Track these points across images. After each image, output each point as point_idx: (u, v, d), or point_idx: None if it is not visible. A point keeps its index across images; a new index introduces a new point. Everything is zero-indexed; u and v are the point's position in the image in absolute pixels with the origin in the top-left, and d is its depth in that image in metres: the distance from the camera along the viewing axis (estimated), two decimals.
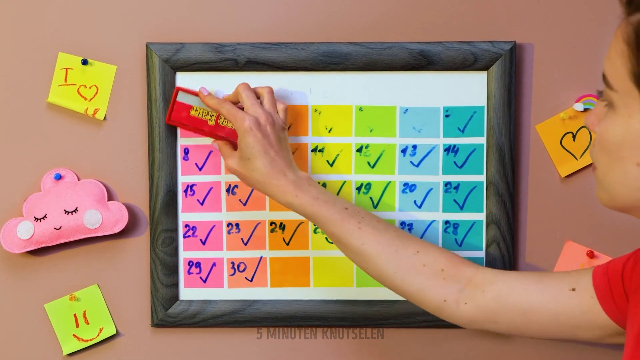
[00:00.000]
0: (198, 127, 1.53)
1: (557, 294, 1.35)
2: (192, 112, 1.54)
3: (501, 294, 1.38)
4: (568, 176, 1.58)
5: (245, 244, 1.59)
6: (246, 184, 1.47)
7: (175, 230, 1.58)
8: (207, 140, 1.57)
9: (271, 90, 1.51)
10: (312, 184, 1.44)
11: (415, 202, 1.58)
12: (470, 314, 1.40)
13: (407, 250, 1.41)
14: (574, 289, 1.34)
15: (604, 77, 1.11)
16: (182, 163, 1.58)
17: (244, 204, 1.58)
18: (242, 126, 1.44)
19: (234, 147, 1.52)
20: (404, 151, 1.57)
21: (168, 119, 1.54)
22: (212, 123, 1.54)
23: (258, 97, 1.51)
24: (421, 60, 1.54)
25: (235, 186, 1.58)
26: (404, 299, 1.52)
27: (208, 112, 1.54)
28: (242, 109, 1.48)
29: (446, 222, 1.58)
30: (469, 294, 1.39)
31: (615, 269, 1.31)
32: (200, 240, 1.59)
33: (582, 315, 1.33)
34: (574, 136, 1.57)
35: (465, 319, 1.41)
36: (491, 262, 1.57)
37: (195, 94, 1.54)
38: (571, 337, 1.38)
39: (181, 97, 1.53)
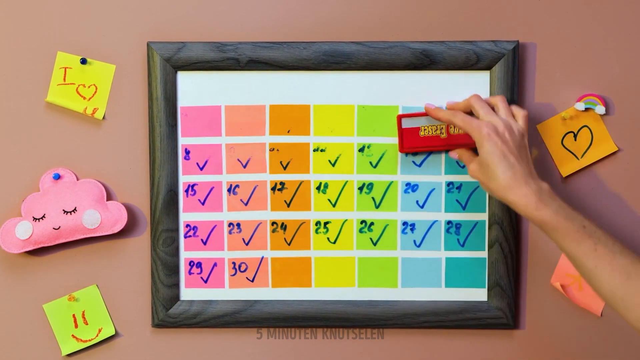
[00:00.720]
0: (432, 144, 1.54)
1: None
2: (422, 133, 1.54)
3: None
4: (569, 176, 1.58)
5: (247, 244, 1.59)
6: (486, 190, 1.46)
7: (176, 230, 1.57)
8: (208, 140, 1.56)
9: (504, 99, 1.49)
10: (552, 196, 1.41)
11: (417, 202, 1.58)
12: None
13: (638, 276, 1.38)
14: None
15: None
16: (183, 163, 1.57)
17: (245, 204, 1.58)
18: (479, 133, 1.43)
19: (473, 152, 1.51)
20: None
21: (401, 149, 1.54)
22: (444, 136, 1.53)
23: (492, 107, 1.49)
24: (423, 59, 1.54)
25: (237, 186, 1.58)
26: (406, 299, 1.53)
27: (437, 127, 1.53)
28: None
29: (448, 222, 1.58)
30: None
31: None
32: (201, 240, 1.58)
33: None
34: (575, 136, 1.57)
35: None
36: (493, 263, 1.57)
37: (416, 114, 1.53)
38: None
39: (405, 123, 1.53)
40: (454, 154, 1.54)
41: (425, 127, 1.54)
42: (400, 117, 1.54)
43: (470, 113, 1.49)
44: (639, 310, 1.36)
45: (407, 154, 1.56)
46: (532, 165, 1.45)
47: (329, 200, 1.58)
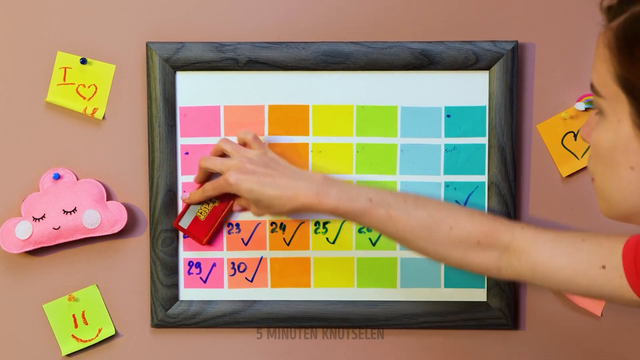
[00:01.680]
0: (217, 217, 1.56)
1: (588, 271, 1.35)
2: (202, 217, 1.56)
3: (536, 267, 1.39)
4: (569, 176, 1.58)
5: (246, 244, 1.59)
6: (280, 215, 1.52)
7: (176, 230, 1.57)
8: (208, 141, 1.56)
9: (223, 140, 1.52)
10: (330, 183, 1.44)
11: None
12: (510, 277, 1.42)
13: (440, 229, 1.41)
14: (604, 267, 1.34)
15: (592, 87, 1.12)
16: (182, 163, 1.57)
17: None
18: (230, 185, 1.46)
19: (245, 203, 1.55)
20: (405, 151, 1.57)
21: (204, 242, 1.57)
22: (216, 204, 1.56)
23: (221, 154, 1.53)
24: (422, 59, 1.54)
25: None
26: (405, 299, 1.53)
27: (203, 208, 1.56)
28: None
29: None
30: (507, 261, 1.40)
31: None
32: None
33: (611, 291, 1.33)
34: (575, 136, 1.57)
35: (507, 280, 1.47)
36: None
37: (182, 212, 1.56)
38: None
39: (183, 223, 1.56)
40: (237, 208, 1.57)
41: (200, 209, 1.56)
42: (176, 224, 1.56)
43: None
44: (456, 253, 1.42)
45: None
46: (293, 167, 1.48)
47: None
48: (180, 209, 1.58)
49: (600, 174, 1.13)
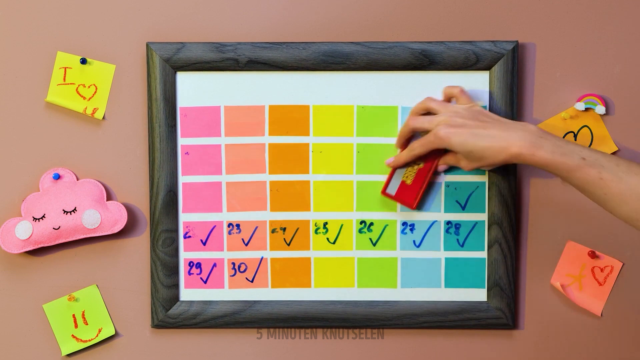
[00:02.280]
0: (422, 179, 1.55)
1: None
2: (408, 181, 1.55)
3: None
4: None
5: (246, 245, 1.59)
6: (490, 168, 1.50)
7: (176, 230, 1.57)
8: (208, 141, 1.56)
9: (428, 98, 1.51)
10: (543, 135, 1.41)
11: None
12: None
13: None
14: None
15: None
16: (183, 163, 1.57)
17: (245, 204, 1.58)
18: (440, 139, 1.45)
19: (452, 154, 1.53)
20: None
21: (414, 205, 1.56)
22: (420, 166, 1.55)
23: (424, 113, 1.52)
24: (423, 60, 1.54)
25: (236, 186, 1.57)
26: (405, 299, 1.54)
27: (409, 172, 1.55)
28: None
29: (448, 222, 1.58)
30: None
31: None
32: (201, 240, 1.58)
33: None
34: (575, 136, 1.57)
35: None
36: (493, 263, 1.57)
37: (389, 177, 1.56)
38: None
39: (390, 190, 1.56)
40: (443, 167, 1.55)
41: (405, 173, 1.55)
42: (383, 192, 1.55)
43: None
44: None
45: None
46: (503, 118, 1.46)
47: (329, 200, 1.57)
48: (180, 208, 1.58)
49: None
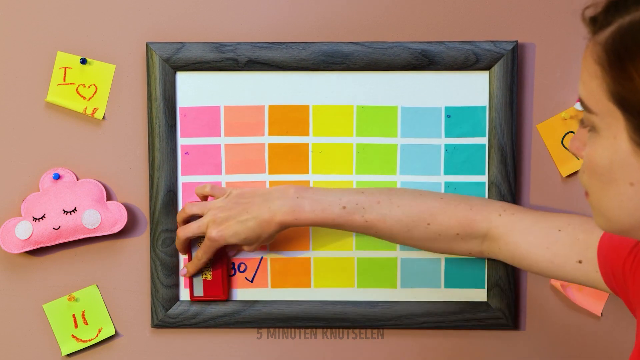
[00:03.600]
0: (222, 273, 1.57)
1: (565, 265, 1.39)
2: (209, 277, 1.57)
3: (515, 255, 1.44)
4: (569, 176, 1.57)
5: None
6: (267, 242, 1.52)
7: (176, 230, 1.57)
8: (208, 141, 1.56)
9: (187, 204, 1.53)
10: (302, 194, 1.46)
11: None
12: (495, 258, 1.49)
13: (418, 226, 1.46)
14: (580, 262, 1.37)
15: (582, 102, 1.07)
16: (183, 163, 1.57)
17: None
18: (215, 241, 1.49)
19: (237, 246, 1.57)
20: (405, 151, 1.57)
21: (225, 296, 1.59)
22: (210, 269, 1.57)
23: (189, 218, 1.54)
24: (422, 60, 1.54)
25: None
26: (405, 299, 1.54)
27: (205, 270, 1.57)
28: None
29: None
30: (488, 247, 1.46)
31: (616, 262, 1.30)
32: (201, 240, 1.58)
33: (587, 282, 1.38)
34: None
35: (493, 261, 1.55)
36: (493, 264, 1.56)
37: (190, 281, 1.58)
38: None
39: (197, 292, 1.58)
40: (232, 253, 1.59)
41: (203, 272, 1.57)
42: (192, 298, 1.58)
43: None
44: (438, 245, 1.47)
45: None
46: (260, 189, 1.50)
47: None
48: (180, 208, 1.57)
49: (597, 191, 1.09)
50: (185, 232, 1.52)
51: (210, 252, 1.51)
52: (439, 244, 1.47)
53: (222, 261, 1.57)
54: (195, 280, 1.57)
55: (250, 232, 1.47)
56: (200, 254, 1.52)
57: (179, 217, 1.54)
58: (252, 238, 1.48)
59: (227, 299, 1.58)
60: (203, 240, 1.52)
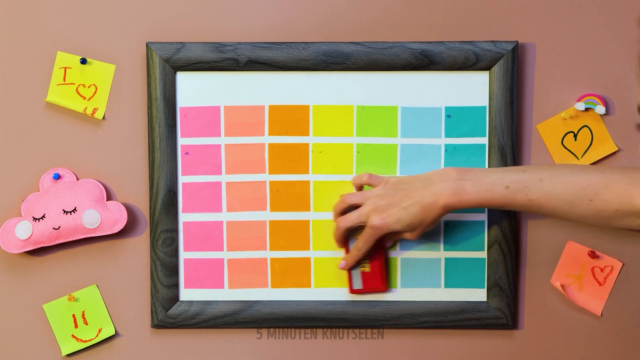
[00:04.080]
0: (381, 264, 1.56)
1: None
2: (367, 269, 1.57)
3: None
4: None
5: (246, 245, 1.58)
6: (431, 228, 1.50)
7: (176, 230, 1.57)
8: (208, 141, 1.56)
9: (345, 195, 1.53)
10: (463, 176, 1.44)
11: None
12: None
13: (580, 203, 1.42)
14: None
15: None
16: (183, 163, 1.57)
17: (245, 204, 1.58)
18: (378, 229, 1.47)
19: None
20: (405, 151, 1.56)
21: (385, 288, 1.58)
22: (368, 261, 1.56)
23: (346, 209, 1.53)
24: (423, 60, 1.54)
25: (236, 186, 1.57)
26: (405, 299, 1.54)
27: (364, 262, 1.56)
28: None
29: (447, 222, 1.57)
30: None
31: None
32: (201, 240, 1.58)
33: None
34: (575, 136, 1.56)
35: None
36: (493, 264, 1.56)
37: (349, 274, 1.57)
38: None
39: (356, 285, 1.57)
40: (389, 243, 1.58)
41: (362, 265, 1.57)
42: (351, 291, 1.57)
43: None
44: (598, 221, 1.44)
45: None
46: (420, 175, 1.48)
47: (328, 200, 1.57)
48: (180, 208, 1.57)
49: None
50: (345, 222, 1.50)
51: (371, 241, 1.50)
52: (599, 221, 1.44)
53: (380, 252, 1.56)
54: (353, 272, 1.56)
55: (413, 218, 1.45)
56: (361, 244, 1.51)
57: (337, 208, 1.53)
58: (416, 223, 1.46)
59: (387, 290, 1.58)
60: (359, 231, 1.52)
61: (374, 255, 1.55)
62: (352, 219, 1.50)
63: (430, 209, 1.44)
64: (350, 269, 1.56)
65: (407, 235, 1.51)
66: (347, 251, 1.55)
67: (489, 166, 1.56)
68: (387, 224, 1.46)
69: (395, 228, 1.47)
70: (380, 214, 1.46)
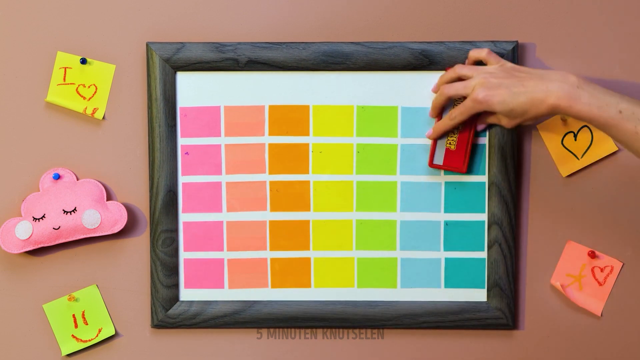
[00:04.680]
0: (466, 145, 1.54)
1: None
2: (452, 147, 1.54)
3: None
4: (569, 176, 1.57)
5: (246, 245, 1.58)
6: (529, 123, 1.49)
7: (176, 230, 1.57)
8: (208, 141, 1.56)
9: (458, 65, 1.50)
10: (582, 86, 1.41)
11: (416, 202, 1.57)
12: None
13: None
14: None
15: None
16: (183, 163, 1.57)
17: (245, 204, 1.58)
18: (479, 103, 1.45)
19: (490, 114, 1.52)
20: (405, 151, 1.57)
21: (465, 169, 1.55)
22: (455, 138, 1.54)
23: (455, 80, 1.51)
24: (423, 60, 1.54)
25: (236, 186, 1.57)
26: (405, 299, 1.54)
27: (450, 138, 1.55)
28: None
29: (447, 222, 1.57)
30: None
31: None
32: (201, 240, 1.58)
33: None
34: (575, 136, 1.56)
35: None
36: (493, 264, 1.56)
37: (433, 146, 1.55)
38: None
39: (437, 160, 1.55)
40: (482, 127, 1.54)
41: (448, 140, 1.54)
42: (431, 164, 1.55)
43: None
44: None
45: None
46: (537, 70, 1.45)
47: (329, 200, 1.57)
48: (180, 208, 1.58)
49: None
50: (450, 89, 1.49)
51: (467, 114, 1.47)
52: None
53: (469, 133, 1.54)
54: (438, 145, 1.55)
55: (518, 105, 1.43)
56: (456, 113, 1.49)
57: (446, 77, 1.51)
58: (518, 112, 1.43)
59: (467, 172, 1.56)
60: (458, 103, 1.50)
61: (463, 133, 1.53)
62: (458, 87, 1.48)
63: (538, 103, 1.41)
64: (436, 140, 1.55)
65: (503, 121, 1.48)
66: (439, 121, 1.53)
67: (488, 166, 1.55)
68: (490, 102, 1.44)
69: (496, 108, 1.44)
70: (488, 90, 1.44)
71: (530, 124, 1.49)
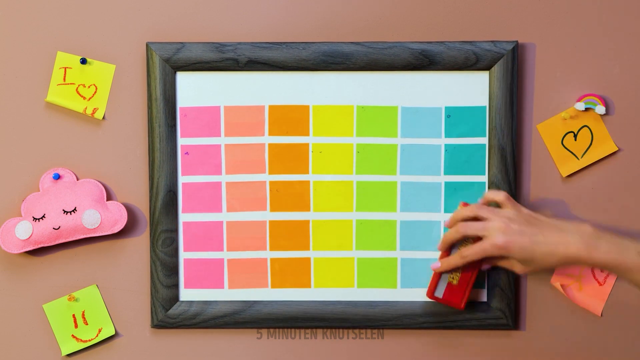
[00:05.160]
0: (468, 283, 1.54)
1: None
2: (454, 282, 1.54)
3: None
4: (569, 176, 1.57)
5: (246, 245, 1.58)
6: (542, 272, 1.51)
7: (176, 230, 1.57)
8: (208, 141, 1.56)
9: (476, 205, 1.50)
10: (599, 235, 1.42)
11: (416, 202, 1.57)
12: None
13: None
14: None
15: None
16: (183, 163, 1.57)
17: (245, 204, 1.58)
18: (497, 247, 1.44)
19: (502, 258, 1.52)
20: (405, 151, 1.57)
21: (462, 306, 1.55)
22: (458, 274, 1.54)
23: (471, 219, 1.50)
24: (423, 60, 1.54)
25: (236, 186, 1.57)
26: (405, 299, 1.54)
27: (454, 273, 1.54)
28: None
29: None
30: None
31: None
32: (201, 240, 1.58)
33: None
34: (575, 136, 1.56)
35: None
36: None
37: (433, 281, 1.54)
38: None
39: (438, 293, 1.54)
40: (487, 266, 1.55)
41: (452, 275, 1.54)
42: (430, 296, 1.55)
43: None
44: None
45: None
46: (553, 219, 1.46)
47: (329, 200, 1.57)
48: (180, 208, 1.58)
49: None
50: (467, 229, 1.48)
51: (481, 256, 1.47)
52: None
53: (473, 271, 1.53)
54: (441, 279, 1.54)
55: (535, 255, 1.43)
56: (469, 253, 1.47)
57: (461, 214, 1.50)
58: (537, 261, 1.44)
59: (463, 310, 1.56)
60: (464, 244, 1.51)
61: (467, 271, 1.53)
62: (476, 228, 1.47)
63: (558, 253, 1.42)
64: (440, 274, 1.54)
65: (517, 267, 1.49)
66: (445, 255, 1.53)
67: (488, 166, 1.56)
68: (510, 248, 1.44)
69: (515, 255, 1.44)
70: (508, 236, 1.44)
71: (543, 272, 1.50)
